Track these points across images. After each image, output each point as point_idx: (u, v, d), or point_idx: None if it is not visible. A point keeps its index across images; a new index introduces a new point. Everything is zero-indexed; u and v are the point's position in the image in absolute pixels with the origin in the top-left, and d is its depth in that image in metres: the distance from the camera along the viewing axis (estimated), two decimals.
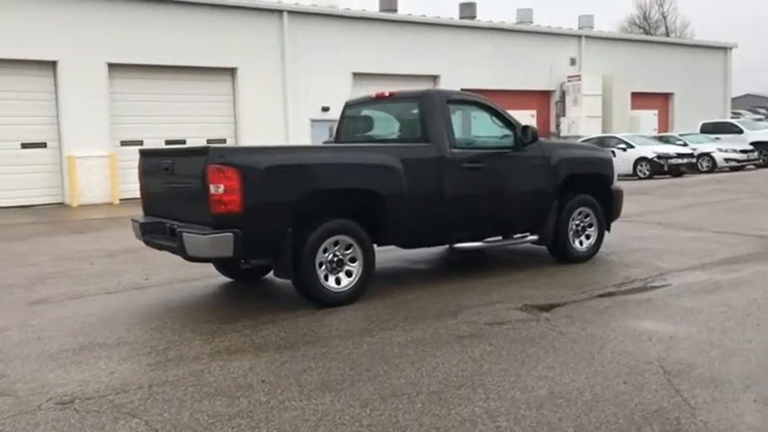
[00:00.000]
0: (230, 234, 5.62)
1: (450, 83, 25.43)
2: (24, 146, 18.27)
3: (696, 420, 3.58)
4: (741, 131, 25.69)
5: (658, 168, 21.61)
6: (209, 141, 20.66)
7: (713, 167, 23.74)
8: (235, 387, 4.30)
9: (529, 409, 3.80)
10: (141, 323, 5.97)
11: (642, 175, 21.80)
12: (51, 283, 7.97)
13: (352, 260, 6.31)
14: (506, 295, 6.50)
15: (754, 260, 7.83)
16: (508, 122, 7.44)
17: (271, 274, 7.03)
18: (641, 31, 57.87)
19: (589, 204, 7.98)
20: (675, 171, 21.94)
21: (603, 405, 3.81)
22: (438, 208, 6.79)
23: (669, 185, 18.55)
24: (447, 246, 7.27)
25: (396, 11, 26.62)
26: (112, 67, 19.10)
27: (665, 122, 33.40)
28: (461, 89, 25.50)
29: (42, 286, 7.81)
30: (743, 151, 23.89)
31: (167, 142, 19.75)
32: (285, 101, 21.87)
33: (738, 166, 23.76)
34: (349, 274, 6.30)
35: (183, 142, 20.14)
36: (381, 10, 26.54)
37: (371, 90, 24.55)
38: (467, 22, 27.58)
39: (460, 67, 25.71)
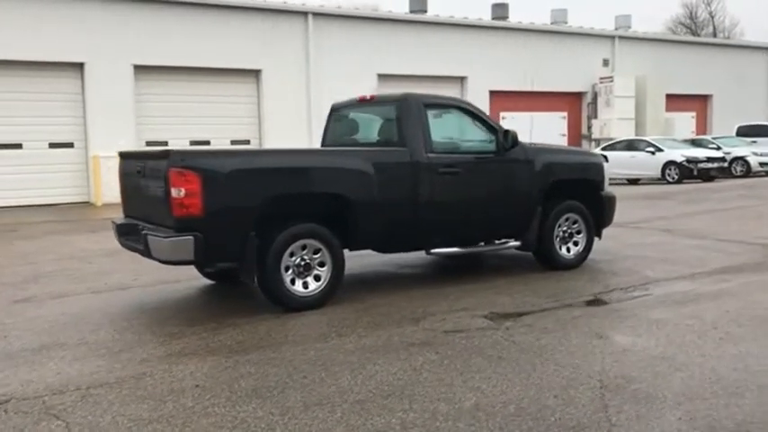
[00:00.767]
0: (191, 238, 5.66)
1: (478, 85, 25.33)
2: (52, 146, 18.73)
3: None
4: None
5: (688, 173, 21.09)
6: (232, 142, 20.93)
7: (747, 172, 23.08)
8: (168, 391, 4.33)
9: (446, 421, 3.74)
10: (109, 324, 6.05)
11: (671, 180, 21.30)
12: (43, 282, 8.13)
13: (321, 264, 6.30)
14: (477, 302, 6.41)
15: (749, 270, 7.58)
16: (490, 127, 7.35)
17: None
18: (687, 31, 56.63)
19: (577, 210, 7.82)
20: (706, 175, 21.38)
21: (522, 420, 3.73)
22: (412, 213, 6.74)
23: (695, 190, 18.09)
24: (424, 251, 7.15)
25: (425, 11, 26.51)
26: (138, 68, 19.45)
27: (702, 125, 32.61)
28: (489, 91, 25.59)
29: (33, 285, 7.98)
30: None
31: (192, 143, 20.04)
32: (309, 102, 21.98)
33: None
34: (317, 278, 6.29)
35: (208, 143, 20.42)
36: (411, 11, 26.46)
37: (397, 91, 24.49)
38: (495, 23, 27.35)
39: (488, 69, 25.51)
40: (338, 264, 6.35)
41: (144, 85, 19.72)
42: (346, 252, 7.05)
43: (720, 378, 4.26)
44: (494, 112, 26.16)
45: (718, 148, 23.42)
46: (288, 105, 21.47)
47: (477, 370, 4.55)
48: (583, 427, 3.62)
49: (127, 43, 19.13)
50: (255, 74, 21.45)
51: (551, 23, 29.90)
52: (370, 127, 7.52)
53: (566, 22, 30.28)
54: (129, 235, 6.54)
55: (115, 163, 7.40)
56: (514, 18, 29.44)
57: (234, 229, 5.83)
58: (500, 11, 29.55)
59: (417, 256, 8.63)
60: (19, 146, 18.34)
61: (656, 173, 21.62)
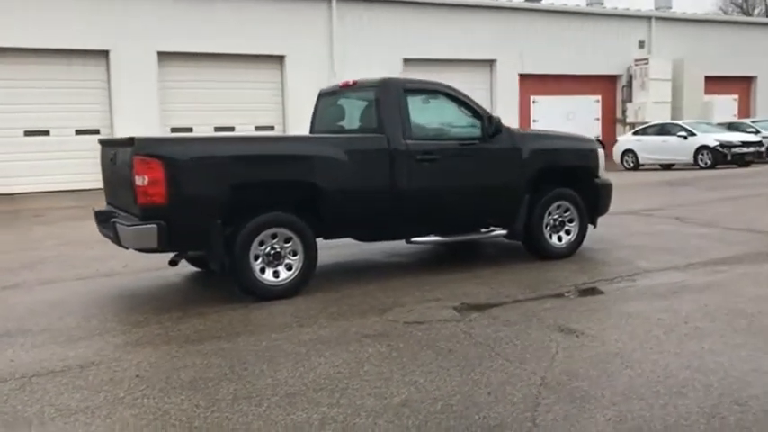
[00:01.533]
0: (154, 226, 5.65)
1: (508, 68, 24.94)
2: (78, 132, 19.05)
3: None
4: None
5: (721, 158, 20.42)
6: (257, 128, 21.02)
7: None
8: (106, 381, 4.32)
9: (367, 417, 3.64)
10: (81, 311, 6.10)
11: (703, 165, 20.67)
12: (38, 268, 8.27)
13: (293, 253, 6.23)
14: (452, 292, 6.27)
15: (748, 261, 7.27)
16: (476, 113, 7.16)
17: None
18: (739, 10, 54.76)
19: (568, 198, 7.59)
20: (740, 161, 20.67)
21: (445, 417, 3.61)
22: (389, 202, 6.61)
23: (723, 176, 17.51)
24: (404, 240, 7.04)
25: None
26: (162, 55, 19.64)
27: (746, 108, 31.55)
28: (519, 74, 25.13)
29: (27, 271, 8.12)
30: None
31: (216, 129, 20.19)
32: None
33: None
34: (289, 267, 6.24)
35: (232, 129, 20.55)
36: None
37: (422, 76, 24.24)
38: (526, 5, 26.82)
39: (518, 52, 25.08)
40: (310, 253, 6.27)
41: (168, 71, 19.91)
42: (335, 241, 7.00)
43: (669, 376, 4.07)
44: (524, 96, 25.79)
45: (757, 132, 22.61)
46: (311, 91, 21.29)
47: (421, 363, 4.43)
48: (504, 426, 3.48)
49: (151, 30, 19.32)
50: (279, 59, 21.47)
51: (586, 5, 29.17)
52: (354, 113, 7.40)
53: (601, 3, 29.53)
54: (105, 223, 6.57)
55: None
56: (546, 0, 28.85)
57: (198, 218, 5.80)
58: None
59: (409, 244, 8.50)
60: (46, 132, 18.71)
61: (689, 158, 21.00)
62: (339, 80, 21.82)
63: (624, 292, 6.17)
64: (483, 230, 7.35)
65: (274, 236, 6.15)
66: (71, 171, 18.71)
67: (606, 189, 7.94)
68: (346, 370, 4.37)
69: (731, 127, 23.57)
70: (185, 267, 7.57)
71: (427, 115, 7.20)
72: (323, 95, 7.91)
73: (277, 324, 5.47)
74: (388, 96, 6.77)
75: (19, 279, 7.66)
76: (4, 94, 18.02)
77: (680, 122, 22.59)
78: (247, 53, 20.72)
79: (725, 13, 50.84)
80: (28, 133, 18.50)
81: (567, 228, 7.66)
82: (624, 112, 27.69)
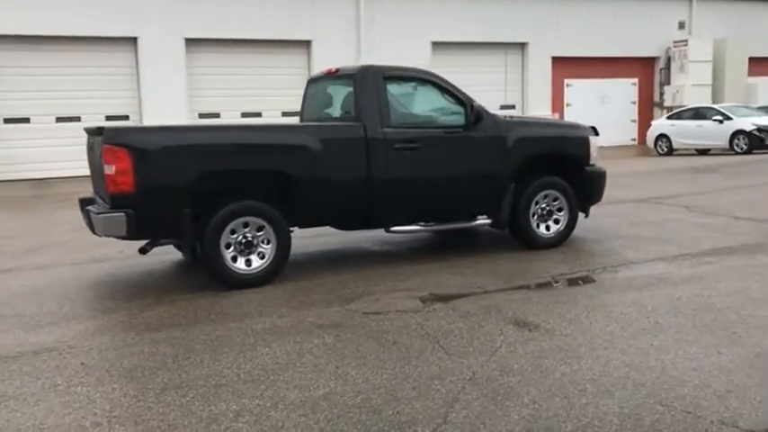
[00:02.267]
0: (122, 214, 5.73)
1: (540, 51, 24.47)
2: (108, 118, 19.36)
3: None
4: None
5: (758, 142, 19.69)
6: (284, 114, 21.07)
7: None
8: (52, 368, 4.41)
9: (283, 410, 3.64)
10: (60, 296, 6.23)
11: (739, 150, 19.98)
12: (40, 253, 8.49)
13: (266, 242, 6.25)
14: (425, 282, 6.23)
15: (741, 252, 7.03)
16: (459, 101, 7.05)
17: None
18: None
19: (557, 187, 7.43)
20: None
21: (359, 412, 3.59)
22: (365, 191, 6.57)
23: (754, 162, 16.92)
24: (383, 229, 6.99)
25: None
26: (190, 41, 19.81)
27: None
28: (552, 57, 24.65)
29: (29, 256, 8.34)
30: None
31: (243, 115, 20.32)
32: None
33: None
34: (262, 256, 6.26)
35: (259, 115, 20.66)
36: None
37: (451, 60, 23.85)
38: None
39: (551, 34, 24.51)
40: (283, 242, 6.28)
41: (195, 57, 20.09)
42: (323, 229, 7.01)
43: (605, 374, 3.96)
44: (556, 79, 25.28)
45: None
46: None
47: (360, 355, 4.41)
48: (414, 423, 3.44)
49: (178, 17, 19.49)
50: (306, 44, 21.45)
51: None
52: (338, 101, 7.35)
53: None
54: (83, 210, 6.69)
55: None
56: None
57: (167, 206, 5.85)
58: None
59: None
60: (77, 119, 19.07)
61: (725, 143, 20.34)
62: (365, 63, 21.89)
63: (599, 285, 6.03)
64: (466, 220, 7.23)
65: (246, 224, 6.17)
66: None
67: (598, 177, 7.74)
68: (284, 361, 4.38)
69: None
70: (175, 254, 7.67)
71: (409, 103, 7.12)
72: (311, 82, 7.90)
73: (239, 313, 5.51)
74: (366, 84, 6.71)
75: (18, 263, 7.87)
76: (36, 82, 18.42)
77: (715, 106, 21.86)
78: (274, 38, 20.73)
79: None
80: (59, 119, 18.89)
81: (555, 217, 7.51)
82: (662, 95, 26.91)
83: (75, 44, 18.77)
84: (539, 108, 24.72)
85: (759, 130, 19.80)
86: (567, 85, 25.63)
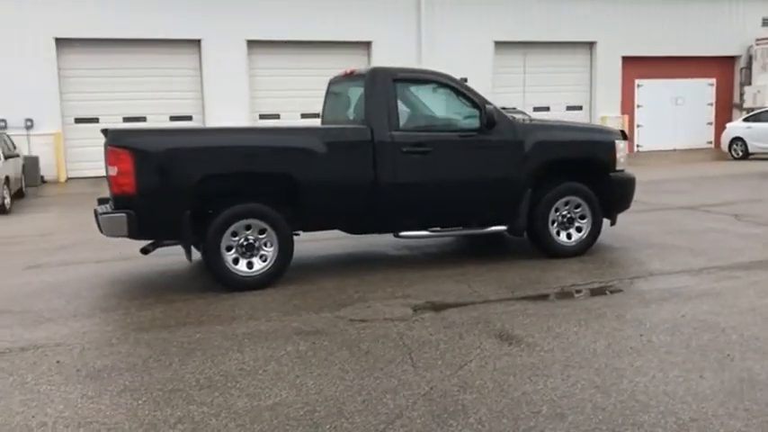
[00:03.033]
0: (123, 215, 5.83)
1: (610, 50, 23.78)
2: (173, 118, 19.96)
3: None
4: None
5: None
6: None
7: None
8: (29, 365, 4.51)
9: (224, 419, 3.60)
10: (70, 294, 6.39)
11: None
12: (72, 250, 8.77)
13: (268, 244, 6.24)
14: (427, 290, 6.08)
15: None
16: (474, 104, 6.84)
17: None
18: None
19: (579, 193, 7.12)
20: None
21: (298, 424, 3.51)
22: (372, 195, 6.47)
23: None
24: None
25: None
26: (251, 43, 20.19)
27: None
28: (622, 57, 23.84)
29: (61, 252, 8.63)
30: None
31: (303, 116, 20.53)
32: None
33: None
34: (264, 258, 6.25)
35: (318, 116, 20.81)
36: None
37: (516, 60, 23.38)
38: None
39: (622, 32, 23.70)
40: (285, 245, 6.26)
41: (257, 59, 20.45)
42: (341, 232, 6.95)
43: (567, 395, 3.74)
44: (627, 79, 24.47)
45: None
46: None
47: (326, 364, 4.33)
48: None
49: (241, 19, 19.87)
50: (366, 45, 21.50)
51: None
52: (353, 103, 7.28)
53: None
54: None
55: None
56: None
57: (167, 208, 5.92)
58: None
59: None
60: (143, 119, 19.73)
61: None
62: (428, 65, 21.72)
63: (605, 298, 5.74)
64: (480, 226, 7.03)
65: (248, 227, 6.18)
66: None
67: (625, 184, 7.38)
68: (249, 367, 4.34)
69: None
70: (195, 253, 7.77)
71: (420, 106, 6.98)
72: (331, 84, 7.84)
73: (229, 316, 5.51)
74: (375, 86, 6.61)
75: (48, 260, 8.14)
76: (105, 83, 19.16)
77: None
78: (334, 40, 20.88)
79: None
80: (126, 119, 19.56)
81: (577, 224, 7.20)
82: (742, 96, 25.62)
83: (141, 47, 19.40)
84: (607, 109, 24.01)
85: None
86: (638, 85, 24.77)
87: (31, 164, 17.51)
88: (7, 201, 13.16)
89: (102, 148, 6.08)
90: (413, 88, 6.89)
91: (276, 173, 6.21)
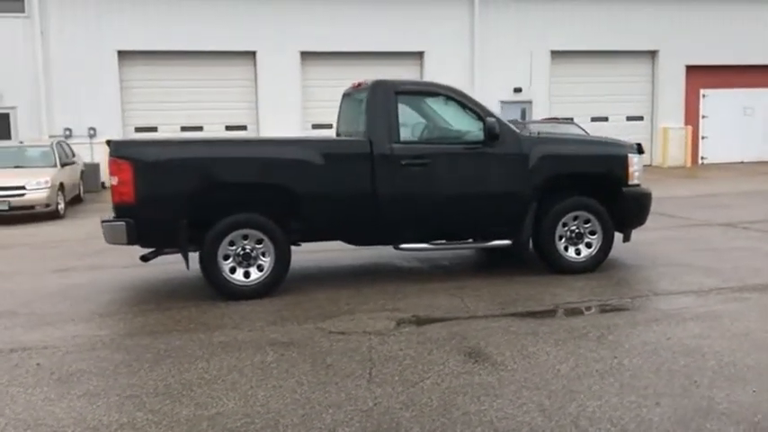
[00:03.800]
0: (122, 223, 6.03)
1: (673, 59, 23.05)
2: (228, 128, 20.48)
3: None
4: None
5: None
6: None
7: None
8: (10, 367, 4.73)
9: (162, 426, 3.69)
10: (80, 298, 6.63)
11: None
12: (103, 255, 9.03)
13: (264, 255, 6.33)
14: (418, 303, 6.06)
15: None
16: (478, 116, 6.77)
17: None
18: None
19: (588, 208, 6.94)
20: None
21: None
22: (370, 207, 6.48)
23: None
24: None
25: None
26: (305, 54, 20.51)
27: None
28: (686, 66, 23.08)
29: (93, 257, 8.95)
30: None
31: None
32: (473, 82, 21.55)
33: None
34: (260, 268, 6.34)
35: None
36: None
37: (572, 69, 22.89)
38: None
39: (686, 40, 22.90)
40: (281, 255, 6.33)
41: (310, 70, 20.75)
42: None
43: (507, 417, 3.67)
44: (691, 90, 23.65)
45: None
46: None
47: (285, 376, 4.37)
48: None
49: (294, 31, 20.21)
50: (419, 56, 21.53)
51: None
52: (360, 114, 7.30)
53: None
54: None
55: None
56: None
57: (165, 217, 6.08)
58: None
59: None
60: (200, 128, 20.29)
61: None
62: (479, 76, 21.61)
63: (595, 318, 5.58)
64: (483, 240, 6.93)
65: (245, 237, 6.28)
66: None
67: (639, 199, 7.14)
68: (210, 376, 4.42)
69: None
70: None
71: (422, 118, 6.95)
72: (345, 96, 7.90)
73: (215, 324, 5.61)
74: (377, 99, 6.63)
75: (77, 264, 8.47)
76: (163, 94, 19.82)
77: None
78: (387, 50, 20.99)
79: None
80: (184, 128, 20.17)
81: (587, 240, 7.01)
82: None
83: (198, 58, 19.98)
84: (670, 120, 23.27)
85: None
86: (704, 95, 23.89)
87: (92, 170, 18.23)
88: (61, 206, 13.75)
89: None
90: (416, 101, 6.88)
91: (273, 184, 6.30)
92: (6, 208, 12.91)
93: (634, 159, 7.11)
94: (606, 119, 23.08)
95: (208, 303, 6.22)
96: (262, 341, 5.11)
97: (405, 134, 6.64)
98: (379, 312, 5.82)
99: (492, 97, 21.84)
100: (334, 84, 20.88)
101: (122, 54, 19.56)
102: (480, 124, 6.75)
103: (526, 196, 6.77)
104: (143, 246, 6.42)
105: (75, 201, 15.46)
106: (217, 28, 19.73)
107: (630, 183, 7.09)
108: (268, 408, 3.88)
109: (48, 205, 13.19)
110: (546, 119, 19.48)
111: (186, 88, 19.97)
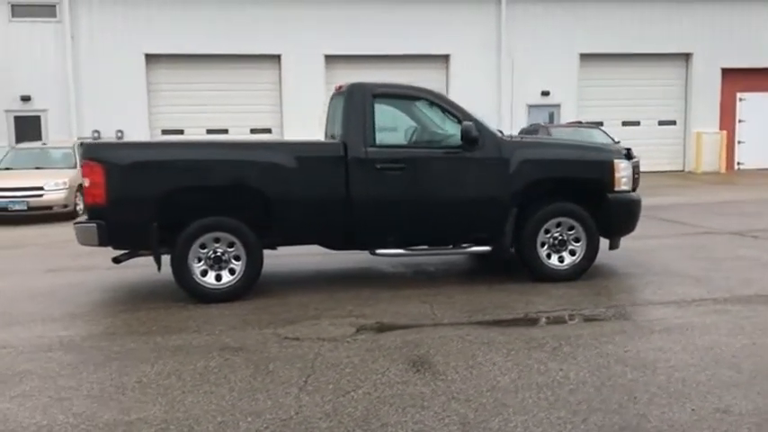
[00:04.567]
0: (94, 225, 6.08)
1: (707, 62, 22.49)
2: (252, 131, 20.63)
3: None
4: None
5: None
6: None
7: None
8: None
9: (80, 429, 3.66)
10: (73, 298, 6.69)
11: None
12: (95, 256, 9.08)
13: (237, 258, 6.31)
14: (385, 310, 5.97)
15: None
16: (458, 120, 6.64)
17: None
18: None
19: (572, 214, 6.74)
20: None
21: None
22: (344, 211, 6.41)
23: None
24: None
25: None
26: (329, 58, 20.55)
27: None
28: (722, 69, 22.43)
29: (85, 258, 8.96)
30: None
31: None
32: (499, 86, 21.35)
33: None
34: (232, 271, 6.33)
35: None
36: None
37: (602, 73, 22.45)
38: None
39: (722, 43, 22.27)
40: (253, 258, 6.30)
41: (335, 73, 20.71)
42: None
43: (427, 429, 3.54)
44: (727, 93, 22.99)
45: None
46: (476, 89, 20.88)
47: (223, 382, 4.34)
48: None
49: (319, 35, 20.27)
50: (444, 59, 21.39)
51: None
52: (339, 118, 7.23)
53: None
54: None
55: None
56: None
57: (135, 219, 6.11)
58: None
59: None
60: (225, 131, 20.48)
61: None
62: (505, 80, 21.32)
63: (560, 328, 5.43)
64: (461, 246, 6.79)
65: (217, 240, 6.27)
66: None
67: (626, 205, 6.90)
68: (146, 380, 4.41)
69: None
70: None
71: (400, 122, 6.85)
72: (331, 99, 7.84)
73: (177, 327, 5.61)
74: (353, 102, 6.56)
75: (70, 264, 8.58)
76: (189, 97, 20.08)
77: None
78: (412, 53, 20.89)
79: None
80: (210, 131, 20.38)
81: (571, 247, 6.82)
82: None
83: (224, 62, 20.19)
84: (705, 125, 22.66)
85: None
86: (741, 99, 23.21)
87: None
88: (80, 207, 13.98)
89: None
90: (394, 104, 6.79)
91: (243, 187, 6.27)
92: (25, 208, 13.23)
93: (621, 165, 6.88)
94: (638, 123, 22.60)
95: (179, 306, 6.23)
96: (213, 346, 5.08)
97: (381, 138, 6.55)
98: (343, 318, 5.74)
99: (519, 101, 21.61)
100: None
101: (150, 57, 19.89)
102: (458, 128, 6.62)
103: (506, 202, 6.61)
104: (115, 247, 6.46)
105: None
106: (242, 32, 19.92)
107: (617, 189, 6.86)
108: (189, 414, 3.83)
109: (65, 206, 13.47)
110: (570, 123, 19.13)
111: (212, 91, 20.19)
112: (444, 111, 6.73)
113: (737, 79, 22.90)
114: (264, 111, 20.72)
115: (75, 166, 14.41)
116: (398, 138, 6.78)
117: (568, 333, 5.20)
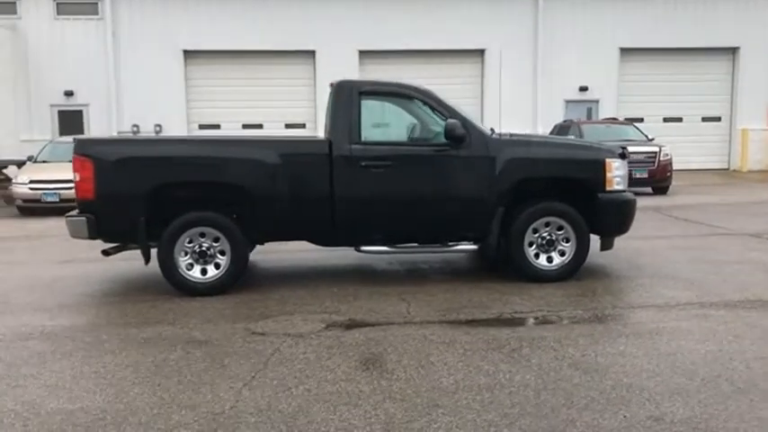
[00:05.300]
0: (83, 218, 6.27)
1: (756, 56, 21.77)
2: (287, 126, 20.91)
3: None
4: None
5: None
6: None
7: None
8: None
9: (23, 416, 3.81)
10: (62, 289, 6.96)
11: None
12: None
13: (222, 253, 6.43)
14: (361, 307, 6.00)
15: (762, 308, 5.76)
16: (445, 118, 6.61)
17: None
18: None
19: (561, 214, 6.65)
20: None
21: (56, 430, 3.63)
22: (328, 208, 6.46)
23: None
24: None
25: None
26: (363, 53, 20.65)
27: None
28: None
29: (98, 249, 9.30)
30: None
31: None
32: (535, 81, 21.09)
33: None
34: (218, 266, 6.45)
35: None
36: None
37: (643, 68, 22.05)
38: None
39: None
40: (238, 252, 6.41)
41: (368, 69, 20.84)
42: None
43: (342, 429, 3.57)
44: None
45: None
46: (513, 84, 20.70)
47: (174, 374, 4.44)
48: None
49: (353, 30, 20.40)
50: (480, 53, 21.23)
51: None
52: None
53: None
54: None
55: None
56: None
57: (123, 213, 6.28)
58: None
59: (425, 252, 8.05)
60: (260, 126, 20.79)
61: None
62: (542, 75, 20.99)
63: (528, 329, 5.37)
64: (447, 244, 6.77)
65: (203, 235, 6.39)
66: None
67: (620, 206, 6.76)
68: (104, 371, 4.53)
69: None
70: None
71: (387, 119, 6.86)
72: (330, 95, 7.87)
73: (155, 320, 5.74)
74: (340, 99, 6.60)
75: (82, 255, 8.82)
76: (225, 92, 20.45)
77: None
78: (446, 48, 20.83)
79: None
80: (245, 126, 20.67)
81: (560, 248, 6.72)
82: None
83: (259, 57, 20.48)
84: (751, 121, 21.96)
85: None
86: None
87: None
88: None
89: None
90: (380, 101, 6.79)
91: (227, 183, 6.38)
92: (57, 200, 13.70)
93: (614, 164, 6.74)
94: (680, 119, 22.05)
95: (164, 298, 6.37)
96: (180, 339, 5.19)
97: (367, 135, 6.57)
98: (317, 314, 5.79)
99: (557, 96, 21.31)
100: None
101: (188, 53, 20.32)
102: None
103: (492, 200, 6.56)
104: (104, 240, 6.65)
105: None
106: (277, 28, 20.18)
107: (609, 189, 6.72)
108: (129, 405, 3.93)
109: None
110: (604, 119, 18.78)
111: (248, 86, 20.52)
112: (431, 108, 6.70)
113: None
114: (299, 106, 20.94)
115: None
116: (385, 135, 6.80)
117: (533, 335, 5.14)
